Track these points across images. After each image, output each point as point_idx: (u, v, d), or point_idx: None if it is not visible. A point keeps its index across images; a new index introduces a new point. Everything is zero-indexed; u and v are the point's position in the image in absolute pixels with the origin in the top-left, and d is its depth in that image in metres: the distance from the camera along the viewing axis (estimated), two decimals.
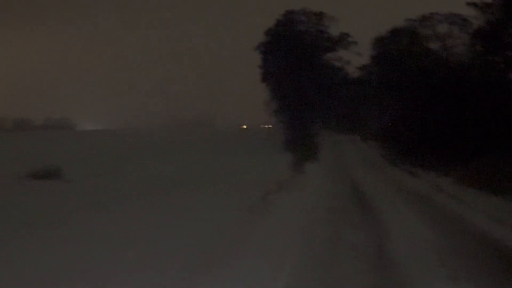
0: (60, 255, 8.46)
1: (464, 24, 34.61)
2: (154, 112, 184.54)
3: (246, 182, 19.76)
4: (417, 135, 30.15)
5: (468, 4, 28.60)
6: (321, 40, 47.14)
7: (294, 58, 43.76)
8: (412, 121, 31.95)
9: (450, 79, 28.43)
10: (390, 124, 43.09)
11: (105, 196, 15.92)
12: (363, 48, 52.33)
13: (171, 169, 25.99)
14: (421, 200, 15.88)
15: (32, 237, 9.83)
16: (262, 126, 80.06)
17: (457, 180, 19.24)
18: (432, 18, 38.13)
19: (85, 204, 14.15)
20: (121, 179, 21.58)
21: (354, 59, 57.49)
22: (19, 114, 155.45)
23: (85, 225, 11.11)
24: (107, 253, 8.60)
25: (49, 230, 10.48)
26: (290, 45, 44.39)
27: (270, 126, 67.07)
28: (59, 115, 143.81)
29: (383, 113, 50.66)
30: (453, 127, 25.76)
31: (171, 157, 35.46)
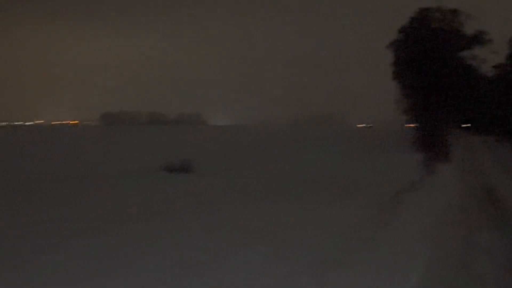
0: (190, 248, 8.64)
1: None
2: (284, 109, 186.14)
3: (377, 181, 19.56)
4: None
5: None
6: (456, 38, 45.64)
7: (427, 56, 42.80)
8: None
9: None
10: None
11: (235, 191, 16.24)
12: (500, 46, 49.98)
13: (302, 166, 25.99)
14: None
15: (162, 228, 10.18)
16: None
17: None
18: None
19: (216, 199, 14.63)
20: (251, 175, 21.74)
21: (490, 58, 55.14)
22: (153, 109, 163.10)
23: (213, 219, 11.28)
24: (237, 247, 8.71)
25: (179, 222, 10.81)
26: (423, 43, 43.52)
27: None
28: (191, 110, 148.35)
29: None
30: None
31: (303, 154, 35.73)
